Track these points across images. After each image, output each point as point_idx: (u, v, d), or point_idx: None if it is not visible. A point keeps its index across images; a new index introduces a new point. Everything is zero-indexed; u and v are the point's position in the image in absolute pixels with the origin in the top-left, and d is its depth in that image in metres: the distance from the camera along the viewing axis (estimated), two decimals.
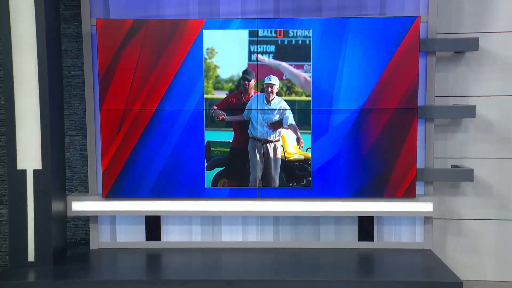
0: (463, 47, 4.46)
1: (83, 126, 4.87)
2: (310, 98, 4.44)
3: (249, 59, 4.43)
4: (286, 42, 4.42)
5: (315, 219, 4.69)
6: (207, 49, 4.42)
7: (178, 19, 4.44)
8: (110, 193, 4.54)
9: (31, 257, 4.33)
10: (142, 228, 4.73)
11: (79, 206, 4.62)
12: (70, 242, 4.88)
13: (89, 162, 4.65)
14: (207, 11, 4.56)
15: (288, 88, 4.46)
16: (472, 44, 4.42)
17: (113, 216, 4.72)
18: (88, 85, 4.58)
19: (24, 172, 4.27)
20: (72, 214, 4.63)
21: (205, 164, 4.51)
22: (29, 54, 4.20)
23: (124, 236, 4.75)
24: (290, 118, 4.48)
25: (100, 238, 4.74)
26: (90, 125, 4.61)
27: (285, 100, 4.47)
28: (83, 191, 4.93)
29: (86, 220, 4.93)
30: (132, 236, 4.74)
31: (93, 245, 4.73)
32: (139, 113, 4.45)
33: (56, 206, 4.39)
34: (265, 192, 4.54)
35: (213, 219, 4.72)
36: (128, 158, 4.49)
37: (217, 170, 4.53)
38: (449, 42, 4.46)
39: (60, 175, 4.49)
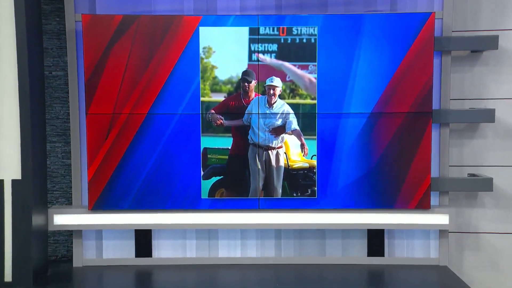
0: (481, 46, 4.51)
1: (65, 132, 4.85)
2: (315, 101, 4.47)
3: (250, 59, 4.45)
4: (289, 41, 4.44)
5: (321, 233, 4.71)
6: (204, 48, 4.44)
7: (172, 15, 4.45)
8: (97, 205, 4.52)
9: (8, 276, 4.29)
10: (132, 243, 4.71)
11: (62, 219, 4.59)
12: (50, 259, 4.84)
13: (73, 171, 4.63)
14: (203, 7, 4.57)
15: (291, 90, 4.48)
16: (491, 43, 4.46)
17: (99, 231, 4.70)
18: (72, 86, 4.57)
19: (1, 182, 4.24)
20: (54, 229, 4.61)
21: (202, 172, 4.51)
22: (8, 52, 4.19)
23: (111, 252, 4.73)
24: (294, 123, 4.50)
25: (84, 255, 4.71)
26: (74, 130, 4.59)
27: (288, 104, 4.49)
28: (65, 203, 4.91)
29: (68, 235, 4.90)
30: (120, 252, 4.72)
31: (76, 263, 4.70)
32: (129, 117, 4.45)
33: (37, 220, 4.36)
34: (267, 203, 4.55)
35: (210, 232, 4.71)
36: (117, 166, 4.49)
37: (214, 179, 4.54)
38: (465, 40, 4.50)
39: (41, 185, 4.47)
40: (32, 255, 4.29)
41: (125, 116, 4.45)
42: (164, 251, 4.72)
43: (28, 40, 4.19)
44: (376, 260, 4.68)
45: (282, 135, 4.51)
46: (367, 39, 4.41)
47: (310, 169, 4.53)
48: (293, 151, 4.54)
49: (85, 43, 4.41)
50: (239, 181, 4.54)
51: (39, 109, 4.42)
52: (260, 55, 4.45)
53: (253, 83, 4.45)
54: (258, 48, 4.44)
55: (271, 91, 4.46)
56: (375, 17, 4.42)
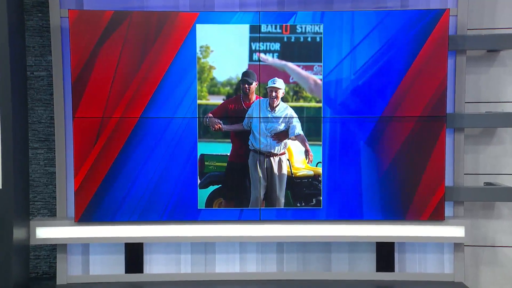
0: (498, 45, 4.55)
1: (48, 137, 4.86)
2: (320, 105, 4.50)
3: (250, 59, 4.48)
4: (293, 39, 4.48)
5: (326, 246, 4.74)
6: (201, 47, 4.46)
7: (166, 11, 4.47)
8: (84, 217, 4.52)
9: None
10: (121, 258, 4.72)
11: (45, 232, 4.58)
12: (30, 277, 4.82)
13: (58, 179, 4.62)
14: (200, 2, 4.61)
15: (295, 92, 4.51)
16: (508, 41, 4.52)
17: (85, 244, 4.70)
18: (57, 88, 4.57)
19: None
20: (36, 243, 4.60)
21: (198, 181, 4.53)
22: None
23: (99, 267, 4.73)
24: (298, 128, 4.53)
25: (69, 271, 4.71)
26: (59, 135, 4.59)
27: (292, 107, 4.52)
28: (47, 214, 4.91)
29: (50, 249, 4.91)
30: (109, 267, 4.73)
31: (60, 280, 4.69)
32: (120, 122, 4.47)
33: (18, 233, 4.36)
34: (268, 213, 4.58)
35: (206, 246, 4.73)
36: (106, 174, 4.49)
37: (212, 188, 4.56)
38: (481, 39, 4.54)
39: (23, 195, 4.48)
40: (13, 272, 4.28)
41: (116, 120, 4.46)
42: (156, 266, 4.73)
43: (10, 38, 4.20)
44: (385, 276, 4.71)
45: (285, 141, 4.54)
46: (376, 38, 4.45)
47: (315, 177, 4.56)
48: (297, 158, 4.57)
49: (72, 41, 4.42)
50: (238, 190, 4.56)
51: (21, 113, 4.44)
52: (262, 55, 4.48)
53: (254, 84, 4.48)
54: (259, 47, 4.47)
55: (273, 94, 4.48)
56: (385, 14, 4.46)
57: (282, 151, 4.55)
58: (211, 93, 4.48)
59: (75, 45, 4.42)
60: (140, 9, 4.54)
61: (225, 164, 4.53)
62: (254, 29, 4.45)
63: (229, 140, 4.53)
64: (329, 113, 4.50)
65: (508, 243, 4.77)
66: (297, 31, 4.46)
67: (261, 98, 4.50)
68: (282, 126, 4.52)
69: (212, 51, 4.46)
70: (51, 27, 4.55)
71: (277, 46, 4.46)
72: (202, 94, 4.47)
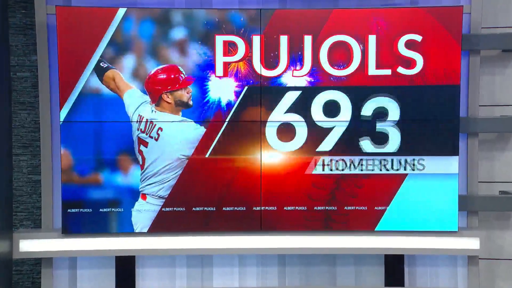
0: None
1: (32, 143, 4.80)
2: None
3: None
4: None
5: (331, 258, 4.73)
6: None
7: (160, 8, 4.43)
8: (71, 228, 4.46)
9: None
10: (111, 272, 4.68)
11: (29, 245, 4.52)
12: None
13: (43, 188, 4.57)
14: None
15: None
16: None
17: (73, 258, 4.65)
18: (43, 90, 4.52)
19: None
20: (20, 256, 4.54)
21: None
22: None
23: (87, 283, 4.69)
24: None
25: (55, 287, 4.65)
26: (45, 141, 4.55)
27: None
28: (31, 226, 4.85)
29: (34, 264, 4.85)
30: (98, 283, 4.69)
31: None
32: (113, 126, 4.42)
33: (0, 247, 4.30)
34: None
35: (203, 259, 4.70)
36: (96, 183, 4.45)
37: None
38: (496, 38, 4.55)
39: (6, 205, 4.43)
40: None
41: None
42: (149, 281, 4.71)
43: None
44: None
45: None
46: (383, 37, 4.41)
47: None
48: None
49: (59, 40, 4.35)
50: None
51: (5, 117, 4.41)
52: None
53: None
54: None
55: None
56: (394, 12, 4.42)
57: None
58: None
59: (63, 43, 4.35)
60: (132, 6, 4.49)
61: None
62: None
63: None
64: None
65: None
66: None
67: None
68: None
69: None
70: (36, 24, 4.50)
71: None
72: None
